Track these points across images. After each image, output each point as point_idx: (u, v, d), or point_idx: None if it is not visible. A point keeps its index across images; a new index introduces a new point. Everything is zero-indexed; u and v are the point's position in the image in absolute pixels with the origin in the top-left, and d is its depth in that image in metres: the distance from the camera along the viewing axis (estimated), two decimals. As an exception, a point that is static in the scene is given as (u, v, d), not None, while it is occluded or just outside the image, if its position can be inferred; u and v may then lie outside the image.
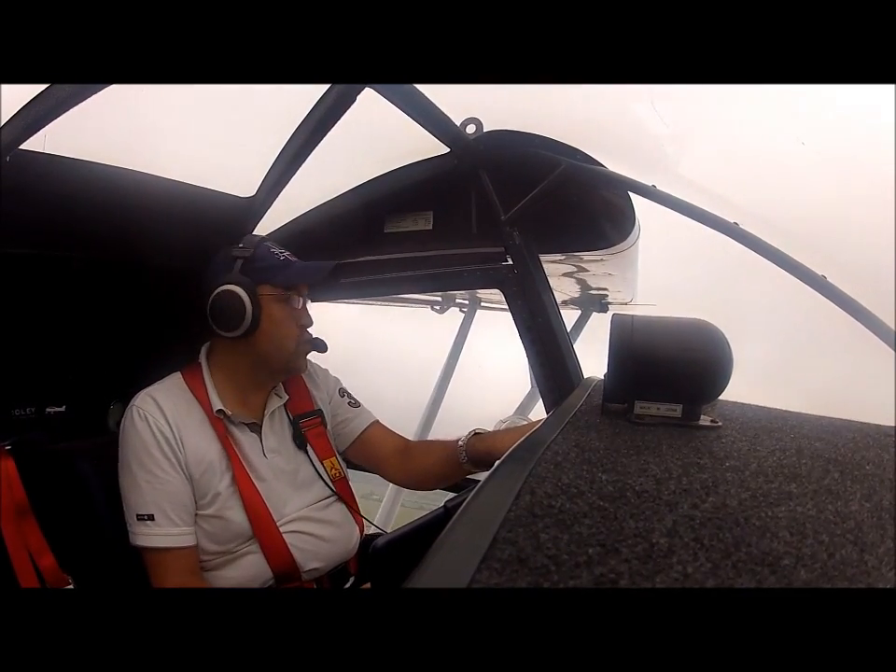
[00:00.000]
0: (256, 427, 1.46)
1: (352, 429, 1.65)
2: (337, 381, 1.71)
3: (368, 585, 1.50)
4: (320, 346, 1.49)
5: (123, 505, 1.33)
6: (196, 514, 1.35)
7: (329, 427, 1.61)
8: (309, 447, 1.52)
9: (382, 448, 1.66)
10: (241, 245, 1.43)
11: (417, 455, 1.63)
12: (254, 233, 1.50)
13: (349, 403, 1.67)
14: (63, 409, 1.63)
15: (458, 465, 1.50)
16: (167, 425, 1.34)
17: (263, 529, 1.37)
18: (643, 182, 1.56)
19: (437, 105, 1.54)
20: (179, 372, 1.46)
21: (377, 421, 1.70)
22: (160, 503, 1.30)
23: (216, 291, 1.38)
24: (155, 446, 1.32)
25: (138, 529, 1.30)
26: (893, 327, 1.19)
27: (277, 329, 1.41)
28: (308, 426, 1.55)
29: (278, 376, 1.50)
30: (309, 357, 1.64)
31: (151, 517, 1.29)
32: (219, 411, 1.40)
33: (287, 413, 1.53)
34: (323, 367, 1.71)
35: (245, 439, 1.43)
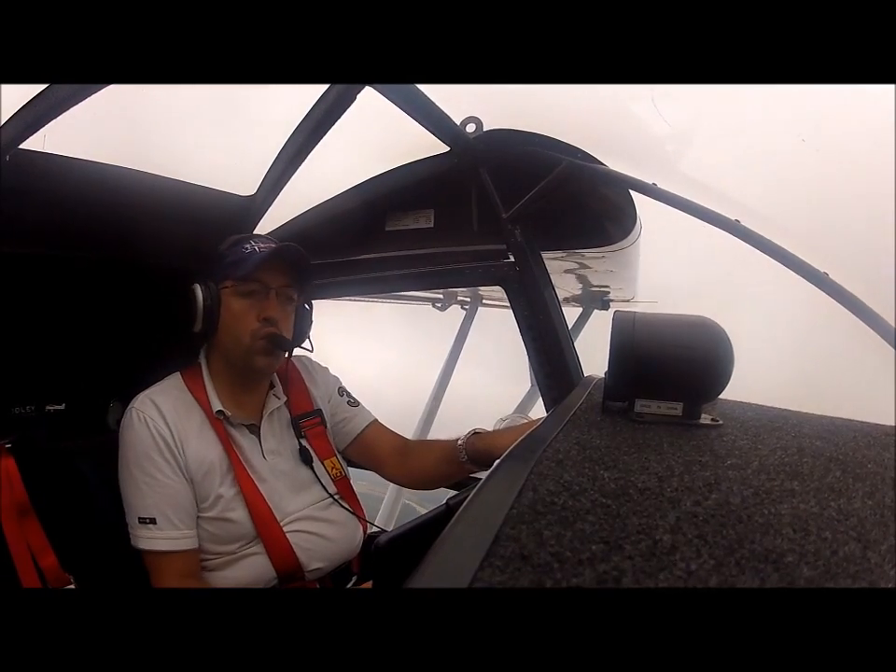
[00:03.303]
0: (255, 429, 1.46)
1: (351, 429, 1.65)
2: (336, 379, 1.70)
3: (370, 584, 1.51)
4: (278, 342, 1.41)
5: (124, 506, 1.33)
6: (198, 517, 1.35)
7: (328, 426, 1.61)
8: (311, 451, 1.52)
9: (381, 447, 1.66)
10: (220, 246, 1.45)
11: (417, 455, 1.63)
12: (252, 233, 1.47)
13: (348, 402, 1.67)
14: (62, 407, 1.64)
15: (458, 464, 1.50)
16: (167, 428, 1.34)
17: (267, 530, 1.37)
18: (644, 180, 1.56)
19: (437, 104, 1.54)
20: (179, 373, 1.46)
21: (376, 420, 1.69)
22: (161, 507, 1.30)
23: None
24: (155, 450, 1.32)
25: (140, 532, 1.30)
26: (894, 324, 1.19)
27: (234, 322, 1.39)
28: (308, 426, 1.55)
29: (245, 375, 1.45)
30: (311, 356, 1.63)
31: (153, 520, 1.29)
32: (219, 412, 1.40)
33: (289, 414, 1.52)
34: (322, 365, 1.71)
35: (244, 440, 1.43)
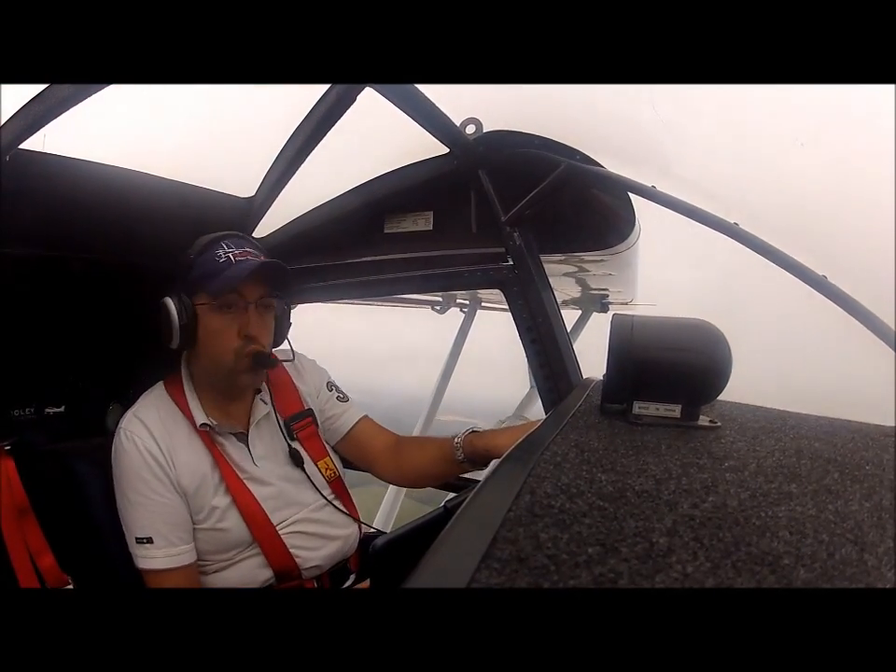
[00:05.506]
0: (243, 437, 1.43)
1: (341, 425, 1.62)
2: (325, 373, 1.66)
3: (366, 584, 1.50)
4: (262, 361, 1.36)
5: (123, 527, 1.32)
6: (193, 528, 1.35)
7: (319, 423, 1.58)
8: (302, 453, 1.49)
9: (372, 444, 1.63)
10: (189, 251, 1.38)
11: (409, 452, 1.60)
12: (222, 233, 1.39)
13: (338, 398, 1.63)
14: (62, 409, 1.64)
15: (453, 462, 1.48)
16: (156, 445, 1.33)
17: (262, 534, 1.37)
18: (643, 182, 1.56)
19: (437, 105, 1.54)
20: (162, 382, 1.44)
21: (367, 416, 1.66)
22: (156, 525, 1.30)
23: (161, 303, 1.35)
24: (146, 469, 1.31)
25: (138, 552, 1.30)
26: (893, 327, 1.19)
27: (213, 341, 1.34)
28: (300, 427, 1.52)
29: (229, 389, 1.42)
30: (306, 353, 1.62)
31: (150, 540, 1.29)
32: (203, 424, 1.37)
33: (277, 418, 1.49)
34: (310, 358, 1.67)
35: (233, 449, 1.41)
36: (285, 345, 1.52)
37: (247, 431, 1.44)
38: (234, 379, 1.37)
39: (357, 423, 1.63)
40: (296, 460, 1.47)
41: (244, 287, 1.33)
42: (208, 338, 1.35)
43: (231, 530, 1.35)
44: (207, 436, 1.38)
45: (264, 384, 1.50)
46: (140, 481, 1.31)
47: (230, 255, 1.34)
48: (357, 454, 1.65)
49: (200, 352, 1.38)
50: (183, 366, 1.44)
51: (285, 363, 1.53)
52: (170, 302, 1.33)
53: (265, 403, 1.48)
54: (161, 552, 1.29)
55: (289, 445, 1.48)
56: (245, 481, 1.39)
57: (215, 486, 1.36)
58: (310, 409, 1.57)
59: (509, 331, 1.88)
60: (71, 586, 1.41)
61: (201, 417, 1.38)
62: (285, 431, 1.49)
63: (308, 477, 1.47)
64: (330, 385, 1.64)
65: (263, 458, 1.44)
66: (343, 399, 1.64)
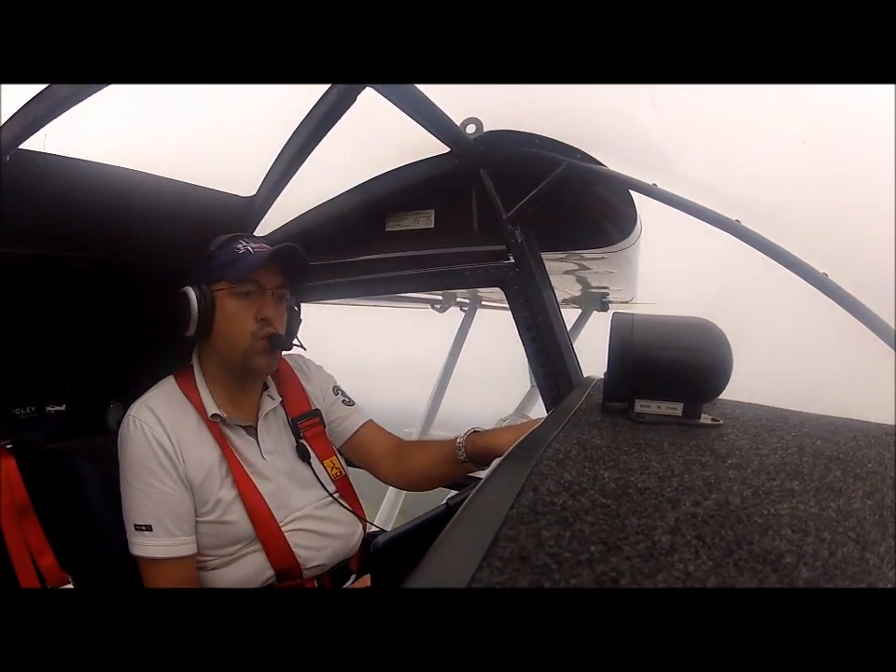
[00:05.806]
0: (252, 430, 1.45)
1: (345, 428, 1.65)
2: (331, 378, 1.70)
3: (367, 578, 1.50)
4: (278, 342, 1.41)
5: (123, 513, 1.33)
6: (197, 521, 1.35)
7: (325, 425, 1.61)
8: (309, 450, 1.51)
9: (375, 447, 1.66)
10: (210, 246, 1.43)
11: (412, 455, 1.62)
12: (240, 233, 1.47)
13: (343, 402, 1.67)
14: (63, 408, 1.64)
15: (456, 463, 1.50)
16: (165, 435, 1.34)
17: (265, 530, 1.37)
18: (644, 180, 1.56)
19: (437, 105, 1.54)
20: (172, 376, 1.46)
21: (371, 420, 1.69)
22: (157, 514, 1.30)
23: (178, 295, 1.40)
24: (153, 458, 1.32)
25: (136, 539, 1.30)
26: (893, 326, 1.19)
27: (230, 324, 1.38)
28: (306, 426, 1.55)
29: (244, 378, 1.45)
30: (304, 355, 1.64)
31: (149, 528, 1.29)
32: (214, 415, 1.39)
33: (286, 415, 1.52)
34: (317, 363, 1.71)
35: (241, 442, 1.42)
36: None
37: (256, 424, 1.46)
38: (249, 362, 1.39)
39: (361, 427, 1.66)
40: (303, 455, 1.49)
41: (261, 274, 1.38)
42: (225, 322, 1.38)
43: (235, 523, 1.36)
44: (216, 428, 1.39)
45: (272, 381, 1.53)
46: (145, 469, 1.31)
47: (248, 247, 1.40)
48: (361, 457, 1.67)
49: (215, 339, 1.40)
50: (195, 358, 1.47)
51: (293, 367, 1.61)
52: (189, 290, 1.37)
53: (272, 399, 1.51)
54: (158, 541, 1.29)
55: (297, 440, 1.51)
56: (251, 475, 1.40)
57: (221, 479, 1.37)
58: (317, 409, 1.60)
59: (508, 332, 1.88)
60: (71, 585, 1.41)
61: (212, 408, 1.39)
62: (292, 430, 1.52)
63: (314, 473, 1.49)
64: (336, 389, 1.68)
65: (271, 453, 1.46)
66: (349, 403, 1.68)
